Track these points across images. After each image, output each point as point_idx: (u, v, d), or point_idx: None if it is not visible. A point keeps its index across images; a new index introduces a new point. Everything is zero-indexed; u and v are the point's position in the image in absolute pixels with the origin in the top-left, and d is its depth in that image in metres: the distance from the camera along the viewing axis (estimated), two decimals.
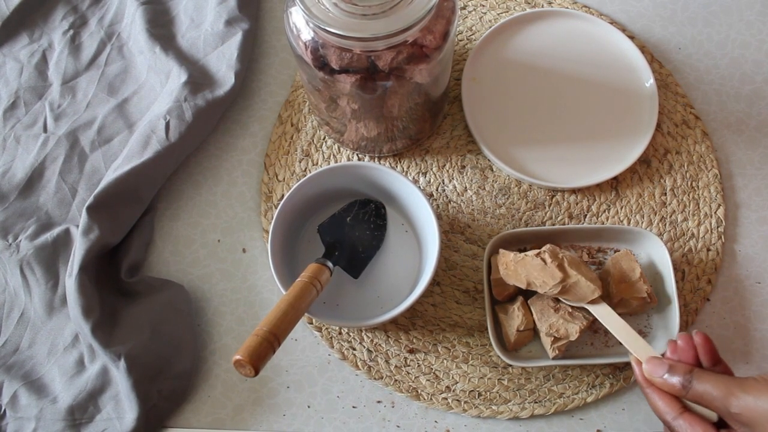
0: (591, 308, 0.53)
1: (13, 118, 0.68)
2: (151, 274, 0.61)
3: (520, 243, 0.59)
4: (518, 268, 0.53)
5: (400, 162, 0.65)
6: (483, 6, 0.72)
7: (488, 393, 0.56)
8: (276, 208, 0.56)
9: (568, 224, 0.62)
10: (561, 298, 0.54)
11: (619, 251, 0.58)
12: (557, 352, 0.53)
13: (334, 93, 0.53)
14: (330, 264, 0.53)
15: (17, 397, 0.56)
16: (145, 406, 0.54)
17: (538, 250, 0.54)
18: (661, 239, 0.58)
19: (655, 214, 0.62)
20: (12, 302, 0.60)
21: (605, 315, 0.52)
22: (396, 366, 0.57)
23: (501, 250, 0.55)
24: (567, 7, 0.71)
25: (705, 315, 0.59)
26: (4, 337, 0.59)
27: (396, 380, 0.57)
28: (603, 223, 0.62)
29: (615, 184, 0.63)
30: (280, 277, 0.53)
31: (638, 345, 0.50)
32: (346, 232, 0.59)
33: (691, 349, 0.47)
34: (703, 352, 0.46)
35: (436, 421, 0.56)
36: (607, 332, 0.57)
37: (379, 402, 0.57)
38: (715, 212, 0.62)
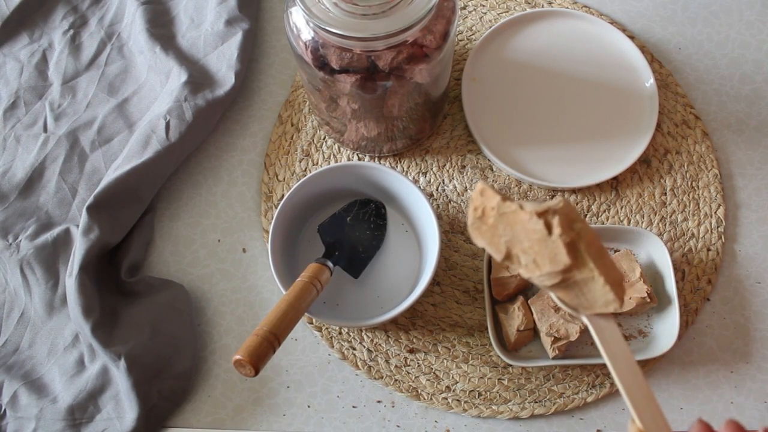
0: (592, 325, 0.35)
1: (13, 118, 0.68)
2: (151, 274, 0.61)
3: None
4: (500, 224, 0.34)
5: (400, 162, 0.65)
6: (483, 6, 0.72)
7: (488, 393, 0.56)
8: (276, 208, 0.56)
9: None
10: (552, 294, 0.37)
11: (619, 251, 0.58)
12: (557, 352, 0.53)
13: (334, 93, 0.53)
14: (330, 264, 0.53)
15: (17, 397, 0.56)
16: (145, 406, 0.54)
17: (544, 206, 0.33)
18: (661, 239, 0.58)
19: (655, 214, 0.62)
20: (12, 302, 0.60)
21: (610, 343, 0.34)
22: (396, 366, 0.57)
23: (481, 185, 0.35)
24: (567, 7, 0.71)
25: (705, 315, 0.59)
26: (4, 337, 0.59)
27: (396, 380, 0.57)
28: (603, 223, 0.62)
29: (615, 184, 0.63)
30: (280, 277, 0.53)
31: (648, 410, 0.32)
32: (346, 232, 0.59)
33: None
34: None
35: (436, 421, 0.56)
36: None
37: (379, 402, 0.57)
38: (715, 212, 0.62)
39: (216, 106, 0.64)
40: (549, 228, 0.33)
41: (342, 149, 0.66)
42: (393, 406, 0.57)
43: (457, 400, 0.56)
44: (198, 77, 0.64)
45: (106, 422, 0.54)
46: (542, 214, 0.33)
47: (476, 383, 0.57)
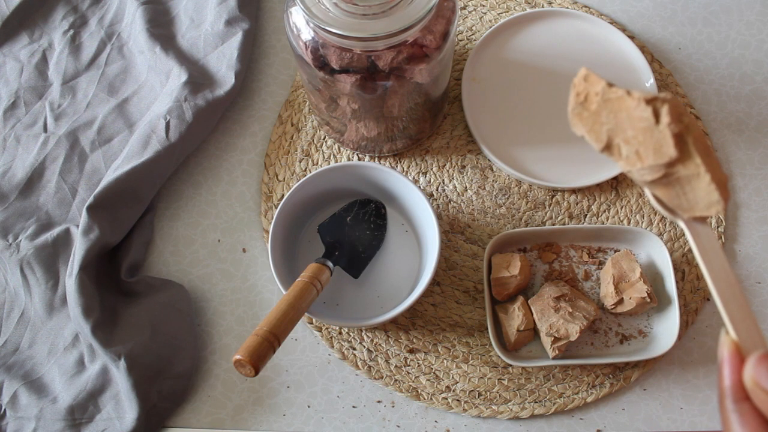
0: (689, 229, 0.33)
1: (13, 118, 0.68)
2: (151, 274, 0.61)
3: (520, 243, 0.59)
4: (604, 111, 0.32)
5: (400, 162, 0.65)
6: (483, 6, 0.72)
7: (488, 393, 0.56)
8: (276, 208, 0.56)
9: (568, 224, 0.62)
10: (649, 192, 0.34)
11: (619, 251, 0.58)
12: (557, 352, 0.53)
13: (334, 93, 0.53)
14: (330, 264, 0.53)
15: (17, 397, 0.56)
16: (145, 406, 0.54)
17: (651, 94, 0.31)
18: (661, 239, 0.58)
19: (655, 214, 0.62)
20: (12, 302, 0.60)
21: (708, 250, 0.32)
22: (396, 366, 0.57)
23: (585, 70, 0.33)
24: (567, 7, 0.71)
25: (705, 315, 0.59)
26: (4, 337, 0.59)
27: (396, 380, 0.57)
28: (603, 223, 0.62)
29: (615, 184, 0.63)
30: (280, 277, 0.53)
31: (746, 324, 0.30)
32: (346, 232, 0.59)
33: None
34: None
35: (436, 421, 0.56)
36: (607, 332, 0.57)
37: (379, 402, 0.57)
38: None
39: (216, 106, 0.64)
40: (657, 117, 0.30)
41: (342, 149, 0.66)
42: (393, 406, 0.57)
43: (457, 400, 0.56)
44: (198, 77, 0.64)
45: (106, 422, 0.54)
46: (651, 101, 0.30)
47: (476, 383, 0.57)
